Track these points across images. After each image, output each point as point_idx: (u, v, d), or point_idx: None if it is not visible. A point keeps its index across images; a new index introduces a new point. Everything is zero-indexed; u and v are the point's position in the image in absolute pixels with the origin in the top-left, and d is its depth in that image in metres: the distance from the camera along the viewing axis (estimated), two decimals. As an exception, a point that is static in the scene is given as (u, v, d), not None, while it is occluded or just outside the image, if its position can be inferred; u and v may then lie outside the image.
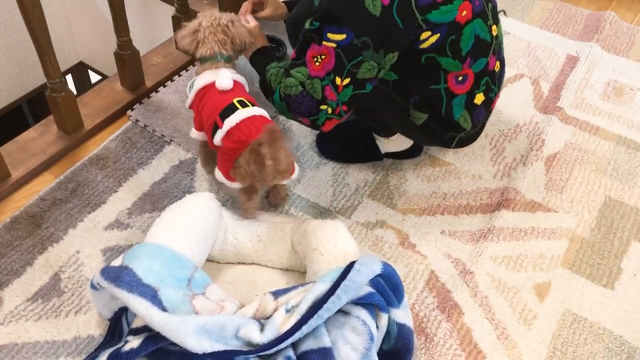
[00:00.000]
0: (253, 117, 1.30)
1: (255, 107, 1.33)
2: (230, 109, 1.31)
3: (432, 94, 1.35)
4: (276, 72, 1.36)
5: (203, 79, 1.40)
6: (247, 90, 1.45)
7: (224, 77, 1.37)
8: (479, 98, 1.38)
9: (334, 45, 1.22)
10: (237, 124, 1.29)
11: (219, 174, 1.36)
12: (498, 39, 1.39)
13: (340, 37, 1.21)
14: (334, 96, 1.27)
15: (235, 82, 1.40)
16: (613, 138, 1.79)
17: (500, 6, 2.28)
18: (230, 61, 1.44)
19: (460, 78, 1.33)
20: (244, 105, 1.32)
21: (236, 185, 1.35)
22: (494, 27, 1.36)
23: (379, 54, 1.23)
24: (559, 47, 2.10)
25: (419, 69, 1.32)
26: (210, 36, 1.40)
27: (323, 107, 1.28)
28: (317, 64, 1.25)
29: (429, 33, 1.25)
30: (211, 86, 1.38)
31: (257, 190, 1.37)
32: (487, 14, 1.34)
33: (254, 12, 1.58)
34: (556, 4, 2.31)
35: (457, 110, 1.37)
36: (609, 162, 1.72)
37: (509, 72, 1.99)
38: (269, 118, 1.35)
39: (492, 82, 1.40)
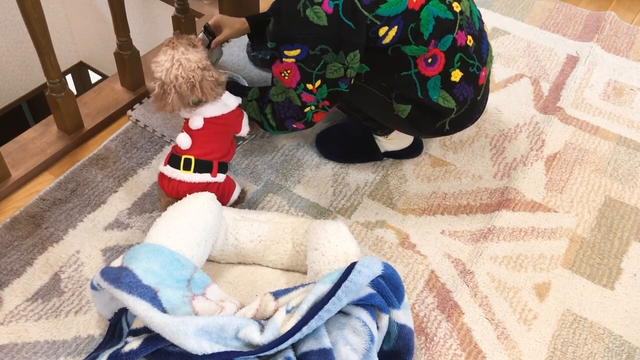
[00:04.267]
0: (180, 182, 1.37)
1: (190, 174, 1.37)
2: (175, 161, 1.38)
3: (403, 81, 1.34)
4: (253, 108, 1.47)
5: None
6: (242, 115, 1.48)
7: (181, 137, 1.40)
8: (456, 75, 1.37)
9: (293, 60, 1.27)
10: (165, 175, 1.39)
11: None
12: (463, 14, 1.36)
13: (295, 52, 1.25)
14: (311, 98, 1.33)
15: (210, 122, 1.40)
16: (613, 138, 1.79)
17: (500, 6, 2.29)
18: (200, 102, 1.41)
19: (429, 60, 1.32)
20: (186, 166, 1.37)
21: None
22: (455, 4, 1.33)
23: (339, 55, 1.25)
24: (559, 47, 2.10)
25: (387, 60, 1.32)
26: (176, 95, 1.35)
27: (307, 109, 1.36)
28: (286, 77, 1.31)
29: (386, 28, 1.25)
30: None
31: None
32: None
33: (211, 37, 1.62)
34: (556, 4, 2.31)
35: (432, 92, 1.36)
36: (609, 162, 1.72)
37: (509, 72, 1.99)
38: (199, 183, 1.38)
39: (467, 57, 1.37)
